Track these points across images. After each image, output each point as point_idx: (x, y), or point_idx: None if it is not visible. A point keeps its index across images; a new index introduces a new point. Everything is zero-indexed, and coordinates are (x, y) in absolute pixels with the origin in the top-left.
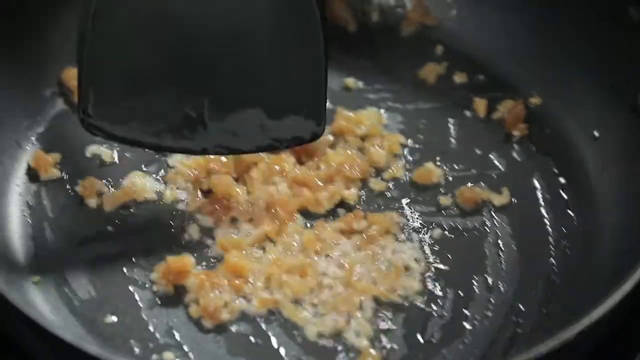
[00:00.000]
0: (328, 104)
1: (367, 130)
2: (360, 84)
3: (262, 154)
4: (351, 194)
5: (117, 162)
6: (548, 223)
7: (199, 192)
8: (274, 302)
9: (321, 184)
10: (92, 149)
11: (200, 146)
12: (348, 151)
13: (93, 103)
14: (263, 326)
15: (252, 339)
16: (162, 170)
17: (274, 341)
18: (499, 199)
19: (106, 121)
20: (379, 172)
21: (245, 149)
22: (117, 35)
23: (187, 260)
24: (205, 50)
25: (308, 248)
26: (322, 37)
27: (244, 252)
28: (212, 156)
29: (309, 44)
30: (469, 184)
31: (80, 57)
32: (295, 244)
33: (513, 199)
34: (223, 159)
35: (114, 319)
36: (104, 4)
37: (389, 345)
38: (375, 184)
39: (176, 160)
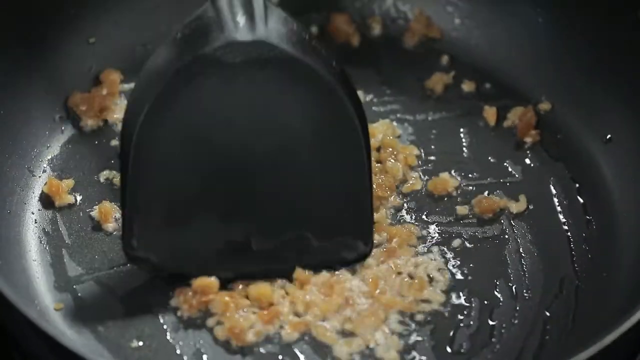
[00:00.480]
0: None
1: (381, 143)
2: (368, 97)
3: None
4: (381, 216)
5: None
6: (567, 228)
7: None
8: (305, 325)
9: None
10: (105, 174)
11: (246, 271)
12: None
13: (137, 235)
14: (291, 346)
15: (280, 357)
16: None
17: None
18: (516, 207)
19: (151, 253)
20: (397, 185)
21: (291, 270)
22: (160, 165)
23: (212, 282)
24: (249, 176)
25: None
26: (366, 158)
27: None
28: None
29: (353, 165)
30: (486, 193)
31: (124, 189)
32: None
33: (530, 206)
34: None
35: (140, 343)
36: (146, 136)
37: (418, 358)
38: (394, 199)
39: None
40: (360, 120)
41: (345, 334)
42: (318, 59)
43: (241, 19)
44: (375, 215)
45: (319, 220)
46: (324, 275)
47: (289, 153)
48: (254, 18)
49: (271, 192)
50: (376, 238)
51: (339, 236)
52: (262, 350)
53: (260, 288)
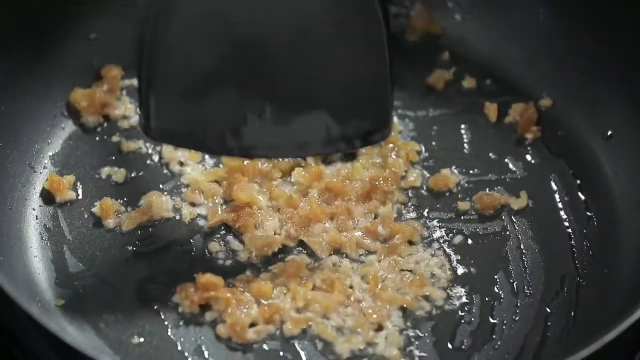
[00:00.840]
0: None
1: None
2: None
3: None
4: (387, 210)
5: (132, 181)
6: (568, 225)
7: (219, 207)
8: (306, 321)
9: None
10: (106, 170)
11: (264, 150)
12: (370, 161)
13: (155, 109)
14: (292, 342)
15: (281, 353)
16: (179, 189)
17: (304, 358)
18: (517, 203)
19: (168, 127)
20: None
21: (310, 151)
22: (177, 40)
23: (217, 279)
24: (267, 52)
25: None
26: (385, 35)
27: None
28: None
29: (372, 43)
30: (486, 189)
31: (140, 63)
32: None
33: (531, 202)
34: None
35: (141, 339)
36: (164, 9)
37: (419, 354)
38: (400, 194)
39: (191, 178)
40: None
41: (346, 330)
42: None
43: None
44: (382, 209)
45: (337, 98)
46: (326, 272)
47: (305, 25)
48: None
49: (287, 67)
50: (380, 234)
51: (358, 115)
52: (263, 347)
53: (261, 285)
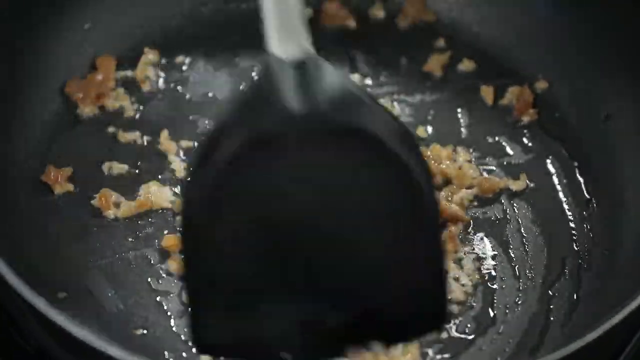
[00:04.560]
0: None
1: None
2: (365, 80)
3: None
4: None
5: (130, 172)
6: (567, 207)
7: None
8: None
9: None
10: (103, 161)
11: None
12: None
13: (204, 327)
14: None
15: None
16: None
17: None
18: (516, 185)
19: (219, 343)
20: None
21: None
22: (218, 250)
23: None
24: (314, 251)
25: None
26: (438, 227)
27: None
28: None
29: (425, 236)
30: (485, 173)
31: (186, 281)
32: None
33: (530, 185)
34: None
35: (144, 331)
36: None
37: (422, 340)
38: None
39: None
40: (427, 185)
41: None
42: (379, 123)
43: (293, 87)
44: None
45: (391, 295)
46: None
47: (353, 225)
48: (307, 84)
49: (338, 268)
50: None
51: (414, 309)
52: None
53: None
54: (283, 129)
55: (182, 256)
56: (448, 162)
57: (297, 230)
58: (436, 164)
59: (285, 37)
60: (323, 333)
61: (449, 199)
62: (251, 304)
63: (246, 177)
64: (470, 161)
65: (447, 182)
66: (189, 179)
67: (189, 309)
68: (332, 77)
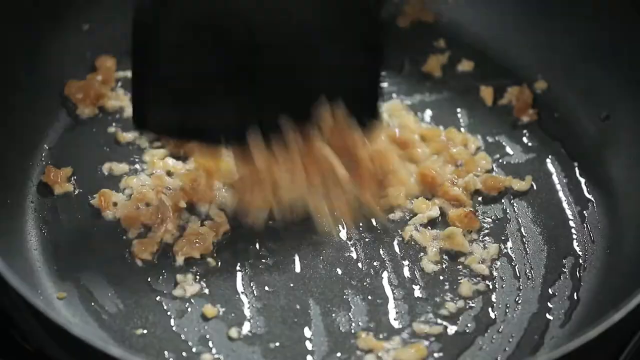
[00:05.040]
0: None
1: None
2: None
3: None
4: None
5: (129, 173)
6: (567, 207)
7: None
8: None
9: None
10: (103, 161)
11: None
12: None
13: (147, 112)
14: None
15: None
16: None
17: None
18: (520, 185)
19: (160, 126)
20: None
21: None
22: (167, 48)
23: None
24: (259, 52)
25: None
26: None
27: None
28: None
29: (367, 45)
30: (485, 173)
31: (134, 60)
32: None
33: (530, 185)
34: None
35: (145, 331)
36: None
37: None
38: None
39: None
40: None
41: None
42: None
43: None
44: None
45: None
46: None
47: (299, 32)
48: None
49: (279, 69)
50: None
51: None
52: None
53: None
54: None
55: (133, 46)
56: (461, 147)
57: (242, 30)
58: (450, 147)
59: None
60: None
61: (455, 181)
62: (194, 92)
63: None
64: (482, 149)
65: (457, 166)
66: None
67: (136, 99)
68: None
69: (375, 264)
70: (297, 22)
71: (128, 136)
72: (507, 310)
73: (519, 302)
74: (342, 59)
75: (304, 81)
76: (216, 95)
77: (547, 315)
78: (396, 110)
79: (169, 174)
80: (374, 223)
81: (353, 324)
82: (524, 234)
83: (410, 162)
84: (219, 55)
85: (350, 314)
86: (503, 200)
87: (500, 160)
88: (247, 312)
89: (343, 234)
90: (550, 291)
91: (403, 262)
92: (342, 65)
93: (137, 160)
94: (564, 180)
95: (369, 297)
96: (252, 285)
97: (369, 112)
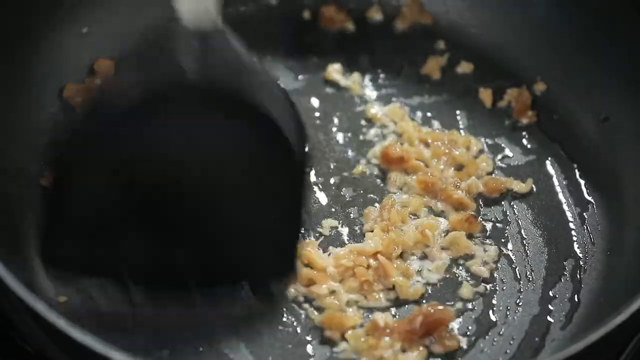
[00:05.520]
0: None
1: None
2: (363, 82)
3: None
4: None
5: None
6: (567, 209)
7: None
8: None
9: None
10: None
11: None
12: None
13: (58, 249)
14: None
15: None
16: None
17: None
18: (520, 187)
19: (70, 265)
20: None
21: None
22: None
23: None
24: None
25: None
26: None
27: None
28: None
29: (289, 199)
30: (485, 175)
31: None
32: None
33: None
34: None
35: None
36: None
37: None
38: None
39: None
40: (299, 157)
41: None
42: (257, 90)
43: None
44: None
45: (243, 244)
46: None
47: (216, 176)
48: (204, 54)
49: (196, 214)
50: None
51: (264, 260)
52: None
53: None
54: (169, 91)
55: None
56: (463, 149)
57: (164, 176)
58: (451, 149)
59: (195, 3)
60: (171, 270)
61: (457, 184)
62: (107, 231)
63: (127, 128)
64: (484, 152)
65: (459, 168)
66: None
67: (43, 234)
68: (229, 49)
69: None
70: (216, 176)
71: None
72: (508, 313)
73: (520, 304)
74: (261, 217)
75: (216, 233)
76: (127, 236)
77: (548, 318)
78: (395, 114)
79: None
80: None
81: None
82: (525, 236)
83: (411, 174)
84: (131, 200)
85: None
86: (503, 203)
87: (499, 163)
88: None
89: None
90: (551, 293)
91: None
92: (261, 224)
93: None
94: (564, 182)
95: None
96: None
97: (285, 267)
